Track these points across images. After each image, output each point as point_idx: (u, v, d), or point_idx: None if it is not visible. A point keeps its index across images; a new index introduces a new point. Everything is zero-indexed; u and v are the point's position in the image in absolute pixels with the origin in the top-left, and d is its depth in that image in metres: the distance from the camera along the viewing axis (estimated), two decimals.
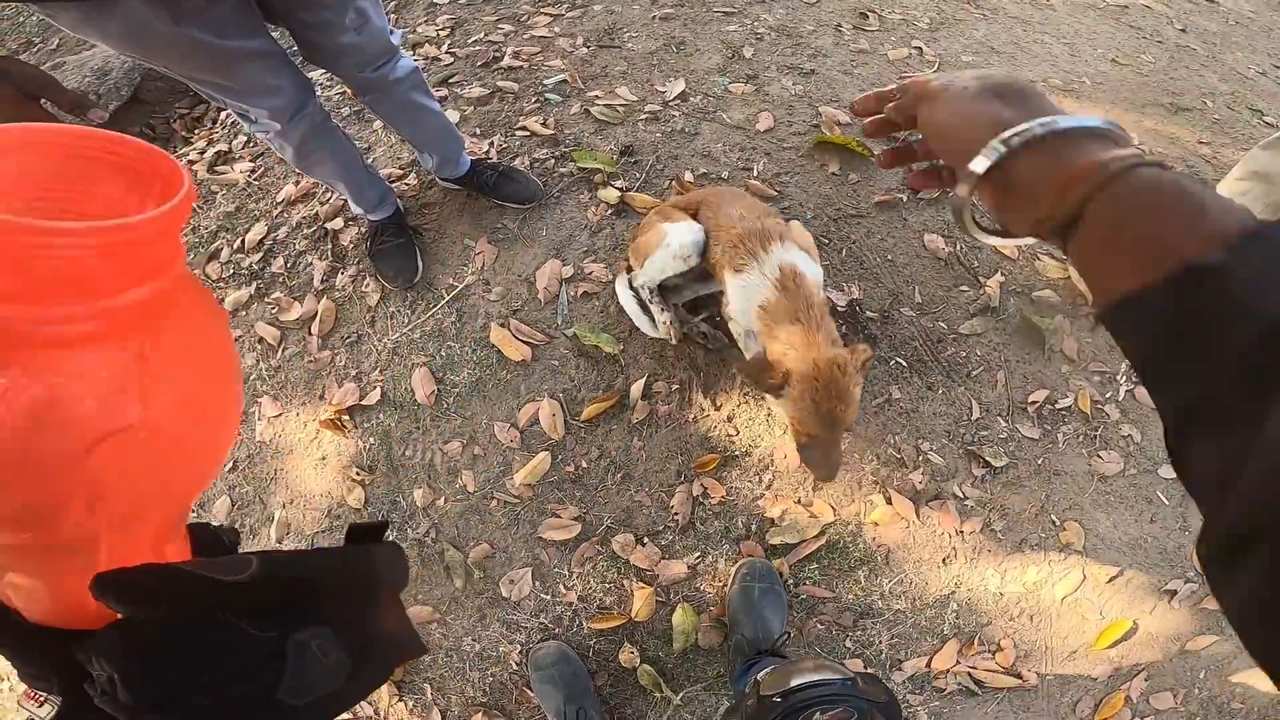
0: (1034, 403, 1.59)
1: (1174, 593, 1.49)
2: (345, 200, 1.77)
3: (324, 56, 1.28)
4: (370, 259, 1.76)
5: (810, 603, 1.44)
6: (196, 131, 2.53)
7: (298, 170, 1.53)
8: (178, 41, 1.04)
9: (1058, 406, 1.59)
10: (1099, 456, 1.56)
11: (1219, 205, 0.29)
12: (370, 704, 1.45)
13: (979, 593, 1.47)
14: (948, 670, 1.43)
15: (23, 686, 1.35)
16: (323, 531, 1.56)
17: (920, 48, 2.28)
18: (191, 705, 0.26)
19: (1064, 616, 1.48)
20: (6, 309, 0.21)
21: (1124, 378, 1.64)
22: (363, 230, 1.83)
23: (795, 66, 2.14)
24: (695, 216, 1.41)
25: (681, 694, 1.39)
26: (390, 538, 0.36)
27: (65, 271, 0.22)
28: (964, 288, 1.71)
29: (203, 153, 2.22)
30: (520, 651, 1.42)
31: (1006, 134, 0.37)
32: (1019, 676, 1.43)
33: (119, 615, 0.26)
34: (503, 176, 1.81)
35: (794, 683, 0.86)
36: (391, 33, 1.35)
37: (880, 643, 1.44)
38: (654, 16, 2.31)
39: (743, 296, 1.26)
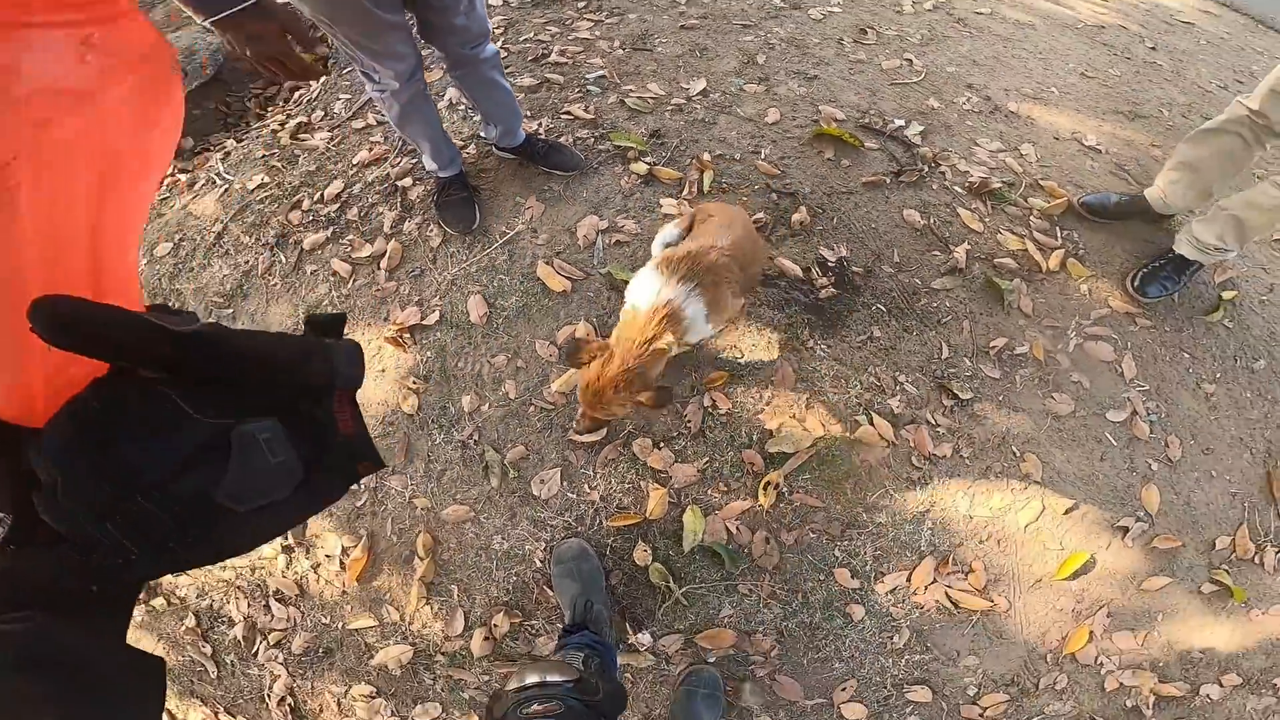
0: (994, 348, 1.88)
1: (1126, 529, 1.72)
2: (417, 161, 2.10)
3: (436, 34, 1.63)
4: (436, 209, 2.07)
5: (803, 511, 1.69)
6: (269, 109, 2.87)
7: (396, 126, 1.84)
8: (350, 3, 1.37)
9: (1015, 352, 1.88)
10: (1052, 398, 1.84)
11: None
12: (396, 607, 1.67)
13: (951, 513, 1.71)
14: (926, 586, 1.65)
15: None
16: (377, 437, 1.82)
17: (911, 59, 2.63)
18: (133, 510, 0.25)
19: (1027, 545, 1.71)
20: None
21: (1073, 333, 1.93)
22: (429, 187, 2.14)
23: (801, 72, 2.49)
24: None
25: (684, 589, 1.63)
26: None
27: None
28: (935, 252, 2.02)
29: (284, 124, 2.55)
30: (545, 549, 1.65)
31: None
32: (990, 600, 1.65)
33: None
34: (551, 148, 2.14)
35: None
36: (487, 20, 1.70)
37: (865, 553, 1.67)
38: (680, 26, 2.67)
39: (637, 285, 1.42)
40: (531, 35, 2.65)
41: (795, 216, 2.04)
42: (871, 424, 1.74)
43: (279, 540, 1.72)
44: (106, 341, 0.24)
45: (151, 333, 0.25)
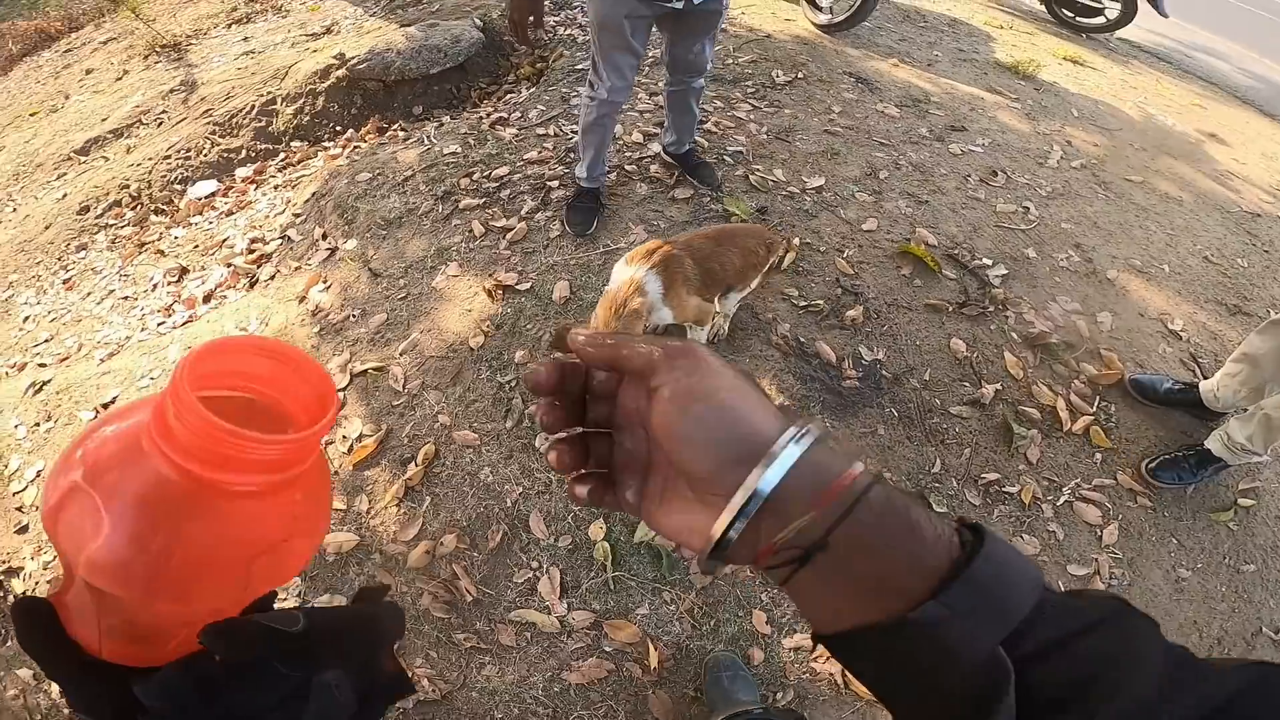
0: (985, 480, 1.98)
1: None
2: (566, 172, 2.63)
3: (678, 66, 2.28)
4: (566, 209, 2.55)
5: None
6: (484, 102, 3.56)
7: (581, 128, 2.39)
8: (627, 24, 2.00)
9: (1003, 489, 1.97)
10: (1021, 537, 1.91)
11: (933, 533, 0.31)
12: (370, 498, 1.94)
13: None
14: (827, 658, 1.71)
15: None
16: (438, 357, 2.21)
17: (1029, 207, 2.79)
18: None
19: None
20: (218, 474, 0.30)
21: (1069, 491, 1.99)
22: (568, 192, 2.63)
23: (914, 195, 2.74)
24: None
25: (616, 574, 1.81)
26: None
27: (257, 455, 0.30)
28: (966, 383, 2.17)
29: (489, 115, 3.18)
30: (520, 496, 1.91)
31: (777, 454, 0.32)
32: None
33: (178, 656, 0.32)
34: (701, 165, 2.66)
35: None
36: (710, 61, 2.31)
37: (786, 607, 1.76)
38: (825, 130, 3.02)
39: (613, 275, 1.86)
40: (702, 101, 3.11)
41: (850, 313, 2.28)
42: None
43: None
44: (258, 655, 0.32)
45: (277, 640, 0.32)
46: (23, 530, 2.14)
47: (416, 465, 1.98)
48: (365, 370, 2.20)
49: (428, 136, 3.06)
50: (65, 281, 3.17)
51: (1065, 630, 0.30)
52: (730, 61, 3.46)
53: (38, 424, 2.36)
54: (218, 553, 0.31)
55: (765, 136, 2.96)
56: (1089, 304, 2.46)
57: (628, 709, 1.67)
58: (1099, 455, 2.07)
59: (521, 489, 1.94)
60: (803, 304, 2.30)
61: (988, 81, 3.79)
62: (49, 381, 2.51)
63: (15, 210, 3.73)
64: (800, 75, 3.43)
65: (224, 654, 0.32)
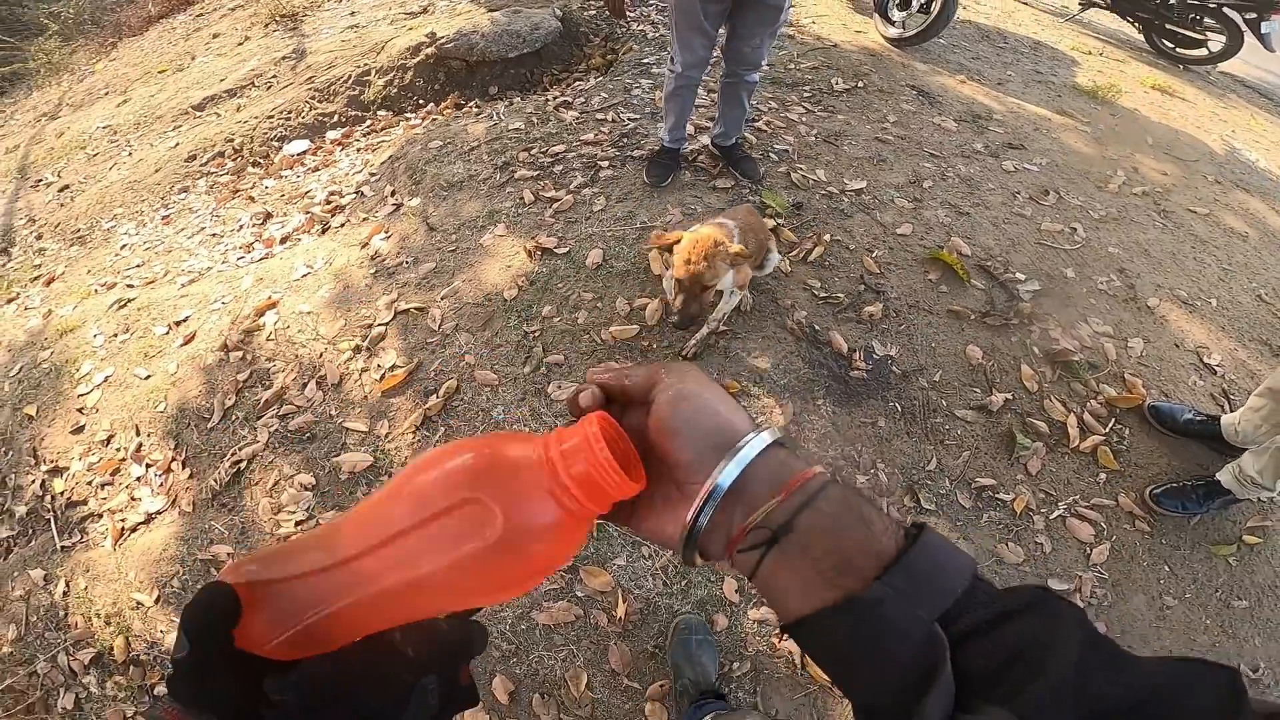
0: (979, 484, 1.98)
1: None
2: (617, 154, 2.79)
3: (734, 56, 2.42)
4: (648, 163, 2.78)
5: None
6: (554, 87, 3.76)
7: (664, 96, 2.61)
8: (700, 9, 2.21)
9: (996, 496, 1.97)
10: (1006, 545, 1.91)
11: (882, 525, 0.35)
12: (390, 423, 2.09)
13: None
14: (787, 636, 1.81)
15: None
16: (474, 304, 2.38)
17: (1076, 229, 2.76)
18: None
19: None
20: (591, 503, 0.36)
21: (1065, 507, 1.97)
22: (621, 169, 2.79)
23: (955, 205, 2.75)
24: None
25: (596, 522, 1.94)
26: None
27: (617, 494, 0.36)
28: (976, 389, 2.18)
29: (556, 98, 3.38)
30: (526, 415, 2.04)
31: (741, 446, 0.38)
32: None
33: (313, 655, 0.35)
34: (744, 158, 2.78)
35: None
36: (765, 57, 2.45)
37: None
38: (875, 138, 3.06)
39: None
40: (756, 101, 3.21)
41: (869, 309, 2.33)
42: None
43: (354, 339, 2.35)
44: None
45: (394, 650, 0.38)
46: (78, 431, 2.43)
47: (438, 397, 2.15)
48: (408, 309, 2.40)
49: (496, 113, 3.29)
50: (164, 218, 3.56)
51: (994, 613, 0.33)
52: (792, 66, 3.55)
53: (115, 335, 2.69)
54: (550, 564, 0.37)
55: (813, 139, 3.03)
56: (1122, 329, 2.41)
57: (587, 655, 1.72)
58: (1103, 475, 2.04)
59: (528, 429, 2.08)
60: (823, 295, 2.36)
61: (1059, 104, 3.72)
62: (133, 300, 2.85)
63: (131, 154, 4.19)
64: (860, 84, 3.48)
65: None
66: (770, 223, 2.54)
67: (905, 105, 3.39)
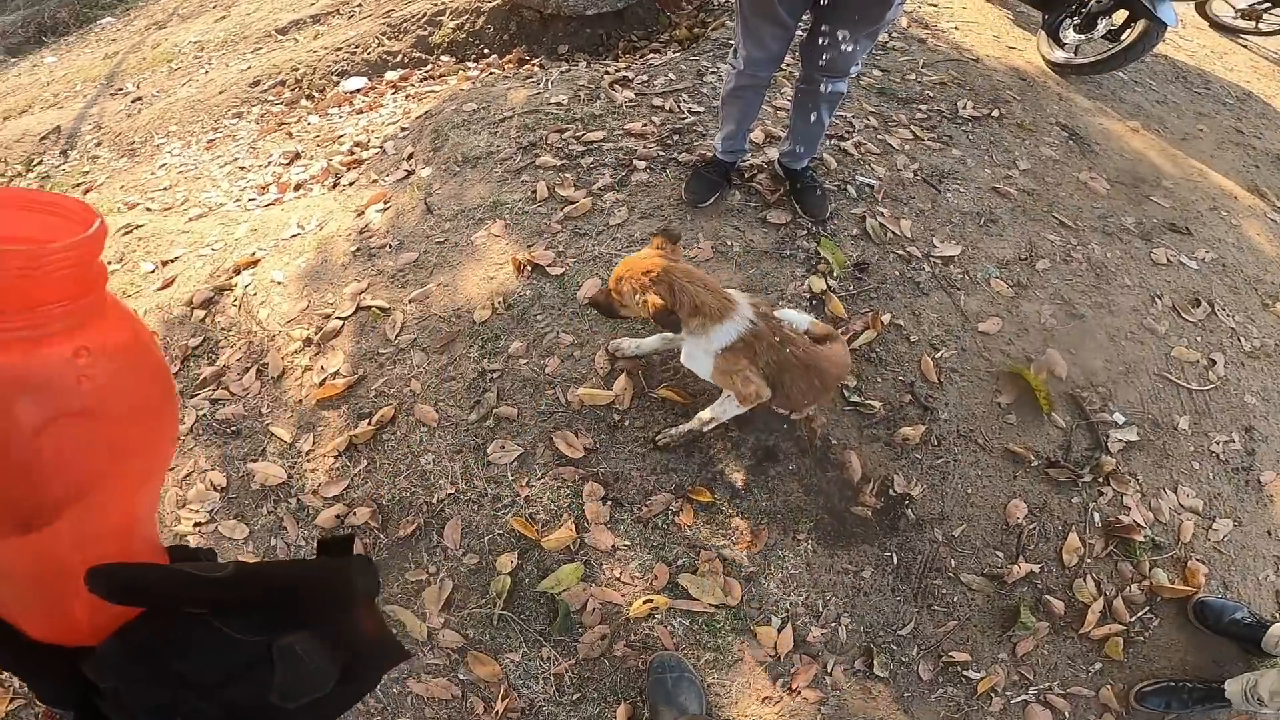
0: (951, 658, 1.63)
1: None
2: (659, 154, 2.31)
3: (814, 58, 1.83)
4: (690, 174, 2.28)
5: (656, 643, 1.59)
6: (626, 56, 3.28)
7: (722, 97, 2.08)
8: (787, 4, 1.67)
9: (965, 674, 1.63)
10: None
11: None
12: (315, 439, 1.82)
13: None
14: None
15: (40, 709, 1.52)
16: (440, 318, 2.02)
17: (1214, 362, 2.07)
18: (192, 710, 0.29)
19: None
20: None
21: (1035, 692, 1.64)
22: (653, 177, 2.32)
23: (1070, 302, 2.10)
24: None
25: (503, 612, 1.60)
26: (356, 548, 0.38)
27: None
28: (1000, 554, 1.71)
29: (613, 72, 2.90)
30: (449, 497, 1.72)
31: None
32: None
33: (113, 631, 0.29)
34: (809, 189, 2.21)
35: None
36: (856, 65, 1.85)
37: None
38: (992, 187, 2.40)
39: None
40: (852, 114, 2.61)
41: (907, 430, 1.80)
42: (778, 631, 1.58)
43: (308, 329, 2.07)
44: (158, 597, 0.29)
45: (193, 584, 0.30)
46: None
47: (369, 424, 1.86)
48: (372, 306, 2.10)
49: (545, 80, 2.86)
50: (209, 142, 3.43)
51: None
52: (911, 76, 2.88)
53: (108, 263, 2.53)
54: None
55: (911, 175, 2.41)
56: (1214, 506, 1.86)
57: None
58: (1099, 665, 1.69)
59: (454, 490, 1.76)
60: (855, 399, 1.84)
61: (1254, 177, 2.84)
62: (141, 226, 2.71)
63: (207, 73, 4.10)
64: (994, 113, 2.77)
65: (109, 596, 0.28)
66: (832, 333, 2.02)
67: (1047, 150, 2.67)
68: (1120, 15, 2.92)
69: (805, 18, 1.80)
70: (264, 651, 0.30)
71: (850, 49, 1.77)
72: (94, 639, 0.30)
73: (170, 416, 0.35)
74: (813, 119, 2.03)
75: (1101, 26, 2.98)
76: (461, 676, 1.59)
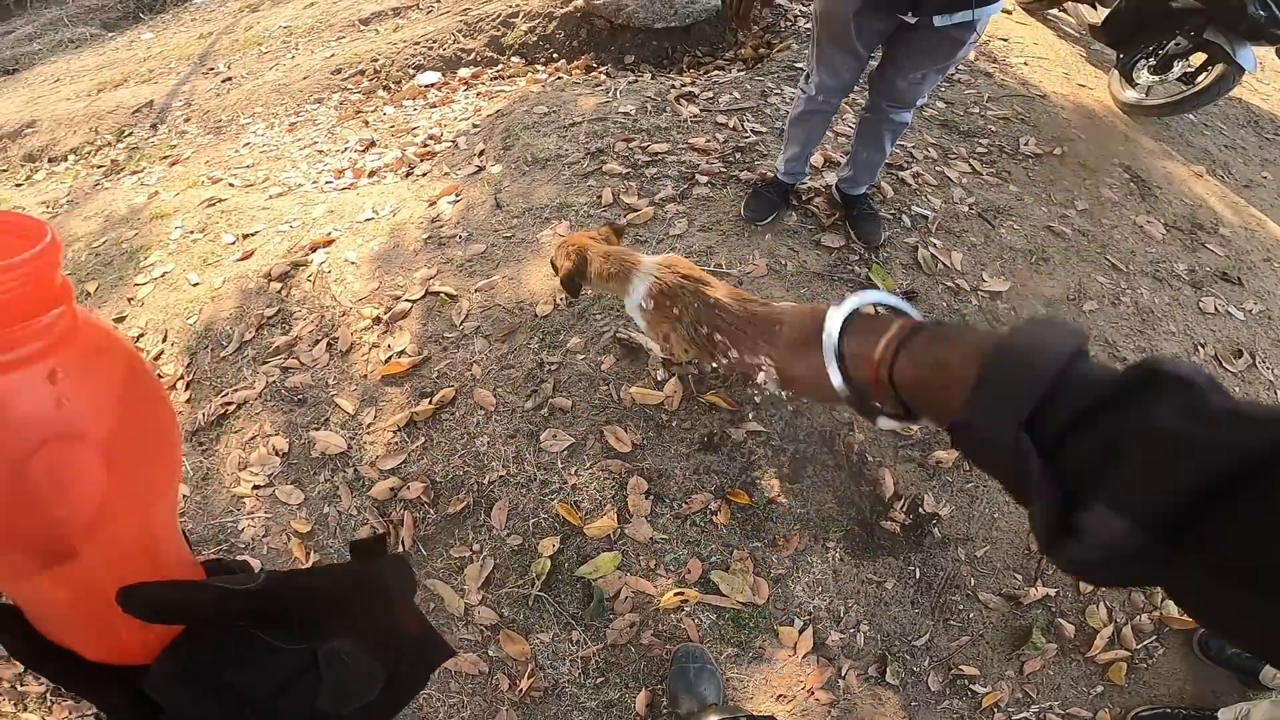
0: (961, 672, 1.69)
1: None
2: (720, 170, 2.39)
3: (884, 89, 1.92)
4: (750, 194, 2.37)
5: (681, 634, 1.66)
6: (690, 70, 3.38)
7: (789, 120, 2.17)
8: (853, 24, 1.72)
9: (972, 688, 1.69)
10: None
11: (975, 339, 0.38)
12: (378, 414, 1.93)
13: None
14: None
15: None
16: (504, 309, 2.13)
17: None
18: None
19: None
20: None
21: (1036, 711, 1.69)
22: (714, 192, 2.41)
23: (1113, 344, 2.12)
24: None
25: (538, 593, 1.70)
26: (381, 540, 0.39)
27: None
28: (1018, 576, 1.77)
29: (678, 87, 3.00)
30: (499, 479, 1.83)
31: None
32: None
33: (162, 648, 0.29)
34: (866, 216, 2.29)
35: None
36: (922, 98, 1.93)
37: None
38: (1046, 226, 2.44)
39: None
40: (912, 145, 2.66)
41: (940, 453, 1.86)
42: (799, 632, 1.65)
43: (378, 308, 2.20)
44: (194, 613, 0.30)
45: (226, 597, 0.30)
46: (119, 320, 2.50)
47: (430, 403, 1.97)
48: (440, 292, 2.23)
49: (614, 90, 2.98)
50: (290, 125, 3.63)
51: (1090, 400, 0.32)
52: (975, 110, 2.91)
53: (191, 232, 2.74)
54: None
55: (966, 209, 2.46)
56: None
57: (473, 712, 1.63)
58: (1100, 688, 1.75)
59: (504, 473, 1.86)
60: None
61: None
62: (224, 200, 2.89)
63: (293, 58, 4.32)
64: (1057, 151, 2.80)
65: (141, 614, 0.29)
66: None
67: (1107, 191, 2.68)
68: (1198, 58, 2.93)
69: (877, 50, 1.87)
70: (310, 660, 0.31)
71: (919, 83, 1.84)
72: (147, 658, 0.30)
73: (166, 431, 0.34)
74: (875, 147, 2.11)
75: (1177, 69, 2.98)
76: (491, 653, 1.68)
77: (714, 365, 1.78)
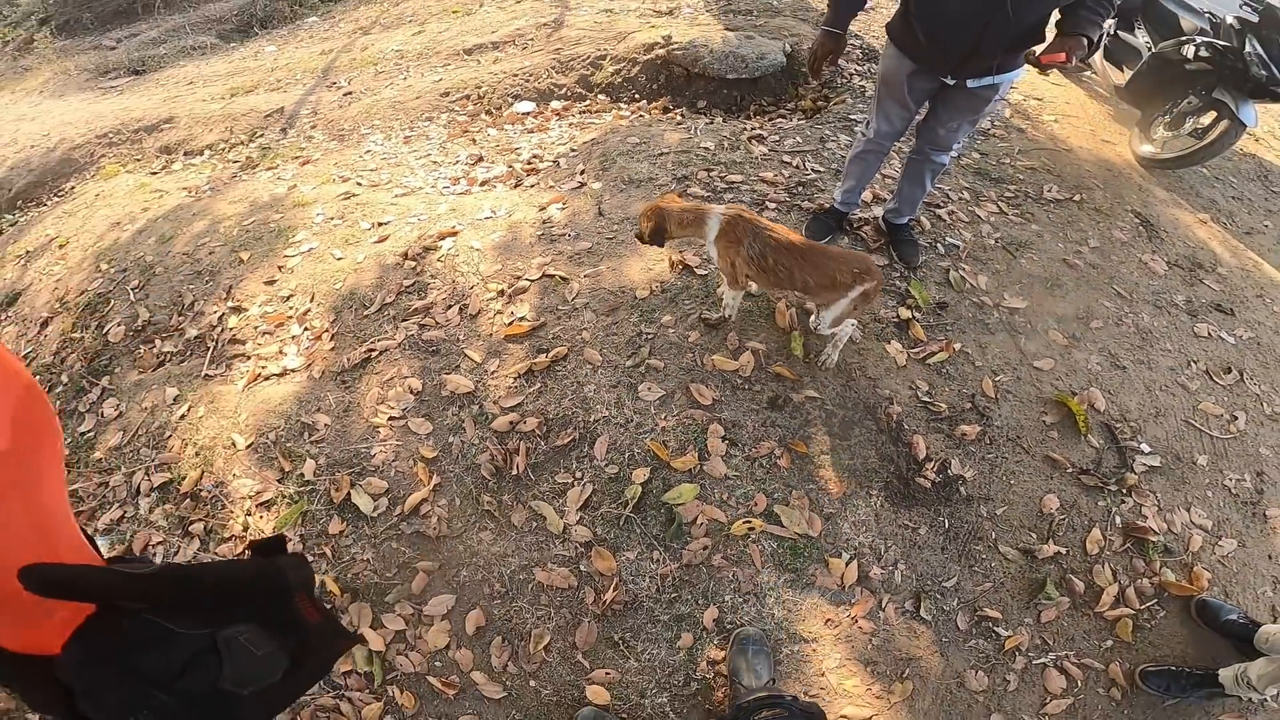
0: (986, 614, 2.00)
1: None
2: (784, 200, 2.89)
3: (926, 135, 2.39)
4: (811, 217, 2.86)
5: (746, 557, 2.00)
6: (757, 117, 3.90)
7: (849, 157, 2.65)
8: (906, 83, 2.23)
9: (994, 629, 1.99)
10: (975, 673, 1.93)
11: None
12: (500, 362, 2.40)
13: (821, 678, 1.90)
14: None
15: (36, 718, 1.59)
16: (608, 290, 2.63)
17: (1238, 417, 2.47)
18: (158, 704, 0.32)
19: None
20: None
21: (1050, 656, 1.94)
22: (779, 215, 2.89)
23: (1115, 356, 2.53)
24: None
25: (628, 514, 2.06)
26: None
27: None
28: (1033, 534, 2.11)
29: (750, 130, 3.52)
30: (603, 419, 2.22)
31: None
32: None
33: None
34: (907, 241, 2.74)
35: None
36: (958, 144, 2.43)
37: (742, 613, 1.96)
38: (1061, 259, 2.87)
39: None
40: (949, 188, 3.13)
41: (965, 428, 2.25)
42: (846, 564, 2.00)
43: (502, 284, 2.66)
44: (87, 590, 0.33)
45: (121, 580, 0.33)
46: (270, 283, 3.01)
47: (546, 357, 2.42)
48: (554, 275, 2.70)
49: (695, 128, 3.50)
50: (406, 137, 4.21)
51: None
52: (1005, 161, 3.39)
53: (331, 219, 3.28)
54: None
55: (992, 243, 2.91)
56: (1222, 527, 2.22)
57: (559, 622, 1.93)
58: (1110, 642, 2.01)
59: (607, 414, 2.28)
60: (926, 399, 2.32)
61: None
62: (356, 195, 3.44)
63: (405, 79, 4.96)
64: (1076, 198, 3.25)
65: (41, 590, 0.32)
66: (905, 314, 2.53)
67: (1118, 233, 3.11)
68: (1209, 115, 3.33)
69: (924, 107, 2.37)
70: (210, 643, 0.34)
71: (954, 131, 2.33)
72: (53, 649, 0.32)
73: (35, 418, 0.36)
74: (917, 184, 2.58)
75: (1189, 125, 3.41)
76: (582, 568, 1.99)
77: (774, 290, 2.30)
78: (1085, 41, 1.82)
